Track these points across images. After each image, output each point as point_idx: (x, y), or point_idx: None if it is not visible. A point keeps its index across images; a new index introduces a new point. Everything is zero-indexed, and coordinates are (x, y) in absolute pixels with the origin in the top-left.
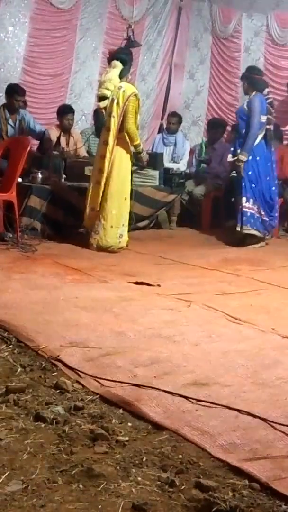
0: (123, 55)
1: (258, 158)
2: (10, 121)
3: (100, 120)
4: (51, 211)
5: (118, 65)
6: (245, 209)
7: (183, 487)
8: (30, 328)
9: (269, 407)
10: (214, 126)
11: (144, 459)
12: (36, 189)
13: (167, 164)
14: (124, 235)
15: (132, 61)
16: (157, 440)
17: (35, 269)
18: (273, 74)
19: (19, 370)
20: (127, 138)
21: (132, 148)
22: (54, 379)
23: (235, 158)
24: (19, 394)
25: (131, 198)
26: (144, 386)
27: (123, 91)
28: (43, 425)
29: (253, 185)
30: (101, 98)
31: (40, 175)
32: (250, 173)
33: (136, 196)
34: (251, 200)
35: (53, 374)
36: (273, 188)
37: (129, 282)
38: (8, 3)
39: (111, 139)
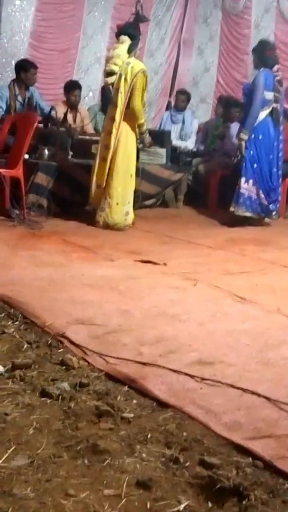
0: (131, 29)
1: (261, 136)
2: (19, 98)
3: (107, 96)
4: (57, 188)
5: (126, 40)
6: (242, 190)
7: (187, 464)
8: (36, 305)
9: (274, 386)
10: (231, 105)
11: (148, 436)
12: (43, 166)
13: (175, 142)
14: (130, 212)
15: (140, 36)
16: (162, 417)
17: (41, 246)
18: (283, 51)
19: (25, 346)
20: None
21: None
22: (60, 355)
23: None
24: (25, 370)
25: (137, 176)
26: (149, 364)
27: (132, 67)
28: (48, 401)
29: (255, 165)
30: (109, 73)
31: (46, 152)
32: (251, 152)
33: (143, 174)
34: (251, 181)
35: (59, 350)
36: (275, 169)
37: (135, 261)
38: None
39: (118, 115)
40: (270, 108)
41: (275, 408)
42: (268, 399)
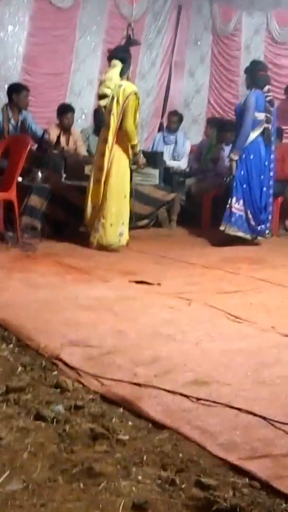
0: (122, 53)
1: (252, 156)
2: (13, 121)
3: (100, 118)
4: (51, 210)
5: (118, 64)
6: (234, 210)
7: (183, 485)
8: (30, 327)
9: (270, 405)
10: (225, 127)
11: (144, 458)
12: (36, 188)
13: (169, 162)
14: (124, 233)
15: (131, 59)
16: (158, 438)
17: (36, 268)
18: (273, 72)
19: (19, 369)
20: (125, 137)
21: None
22: (55, 378)
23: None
24: (20, 393)
25: (131, 197)
26: (145, 385)
27: (123, 89)
28: (43, 424)
29: (244, 186)
30: (102, 96)
31: (40, 174)
32: (242, 172)
33: (136, 194)
34: (240, 202)
35: (54, 373)
36: (265, 189)
37: (130, 281)
38: (8, 2)
39: (111, 137)
40: (262, 129)
41: (271, 428)
42: (264, 418)
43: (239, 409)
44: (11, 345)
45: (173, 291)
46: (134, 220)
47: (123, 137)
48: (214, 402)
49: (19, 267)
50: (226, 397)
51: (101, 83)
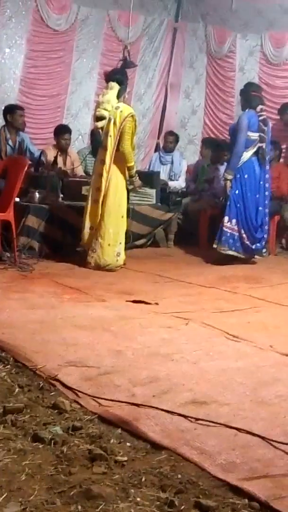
0: (118, 75)
1: (246, 176)
2: (10, 142)
3: (97, 139)
4: (48, 231)
5: (115, 86)
6: (225, 229)
7: (182, 507)
8: (27, 347)
9: (268, 425)
10: (220, 147)
11: (143, 479)
12: (34, 209)
13: (169, 182)
14: (121, 253)
15: (127, 81)
16: (156, 459)
17: (33, 288)
18: (267, 93)
19: (16, 390)
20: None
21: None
22: (52, 399)
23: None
24: (17, 415)
25: (128, 216)
26: (143, 405)
27: (121, 111)
28: (41, 446)
29: (238, 205)
30: (99, 118)
31: (37, 195)
32: (237, 192)
33: (133, 214)
34: (234, 221)
35: (51, 394)
36: (260, 208)
37: (127, 301)
38: (4, 25)
39: (108, 158)
40: (255, 148)
41: (270, 447)
42: (263, 438)
43: (238, 429)
44: (8, 366)
45: (170, 310)
46: (132, 239)
47: (120, 158)
48: (212, 422)
49: (16, 288)
50: (225, 417)
51: (99, 105)
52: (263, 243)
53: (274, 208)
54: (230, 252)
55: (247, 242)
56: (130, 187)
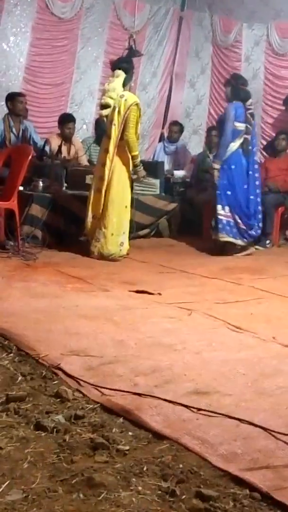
0: (125, 64)
1: (233, 166)
2: (14, 130)
3: (101, 128)
4: (52, 220)
5: (121, 74)
6: (220, 217)
7: (183, 496)
8: (30, 336)
9: (270, 416)
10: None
11: (144, 469)
12: (37, 198)
13: (174, 172)
14: (125, 243)
15: (133, 70)
16: (158, 449)
17: (36, 277)
18: (273, 83)
19: (19, 378)
20: (126, 147)
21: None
22: (55, 387)
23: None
24: (20, 403)
25: (131, 207)
26: (145, 395)
27: (125, 100)
28: (43, 434)
29: (228, 193)
30: (104, 106)
31: (41, 184)
32: (225, 182)
33: (137, 204)
34: (226, 208)
35: (54, 382)
36: (252, 197)
37: (130, 291)
38: (10, 13)
39: (112, 147)
40: (242, 139)
41: (271, 438)
42: (264, 429)
43: (239, 419)
44: (11, 354)
45: (173, 300)
46: (135, 229)
47: (124, 148)
48: (214, 412)
49: (19, 276)
50: (227, 408)
51: (104, 92)
52: (259, 231)
53: (279, 200)
54: (228, 239)
55: (243, 227)
56: (134, 177)
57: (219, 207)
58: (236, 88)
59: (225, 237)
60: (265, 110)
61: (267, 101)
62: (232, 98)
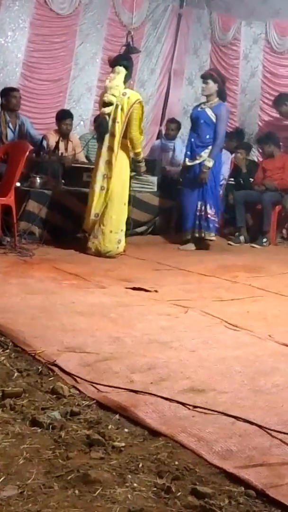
0: (125, 61)
1: (216, 164)
2: (10, 125)
3: (103, 125)
4: (49, 216)
5: (122, 71)
6: (211, 217)
7: (179, 493)
8: (27, 332)
9: (266, 414)
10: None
11: (140, 465)
12: (34, 194)
13: (169, 167)
14: (122, 240)
15: (133, 67)
16: (153, 446)
17: (33, 273)
18: (271, 81)
19: (15, 374)
20: (129, 144)
21: (131, 155)
22: (51, 384)
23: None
24: (16, 399)
25: (129, 204)
26: (141, 392)
27: (128, 97)
28: (39, 430)
29: (214, 191)
30: (107, 104)
31: (38, 180)
32: (211, 179)
33: (134, 201)
34: (213, 208)
35: (50, 379)
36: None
37: (127, 288)
38: (8, 8)
39: (116, 145)
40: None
41: (267, 436)
42: (260, 427)
43: (235, 417)
44: (7, 350)
45: (170, 298)
46: (132, 226)
47: (124, 145)
48: (210, 410)
49: (16, 272)
50: (223, 405)
51: (106, 90)
52: (215, 224)
53: (276, 199)
54: (214, 238)
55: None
56: (133, 173)
57: (207, 206)
58: (223, 88)
59: (213, 237)
60: (262, 108)
61: (265, 99)
62: (221, 98)
